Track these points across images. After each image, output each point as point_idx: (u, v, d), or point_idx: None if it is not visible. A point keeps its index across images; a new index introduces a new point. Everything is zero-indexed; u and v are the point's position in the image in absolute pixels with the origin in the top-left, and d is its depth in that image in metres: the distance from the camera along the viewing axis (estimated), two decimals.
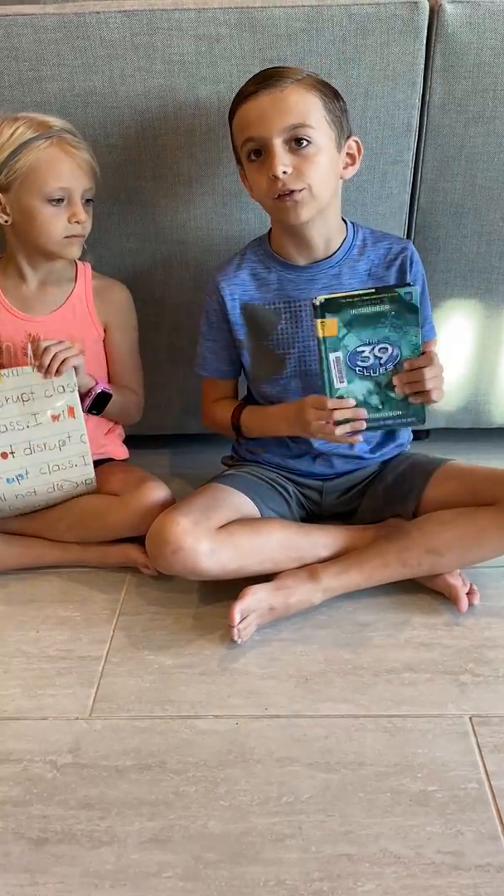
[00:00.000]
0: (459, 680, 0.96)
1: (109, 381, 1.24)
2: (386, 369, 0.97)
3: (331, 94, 1.01)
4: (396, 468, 1.17)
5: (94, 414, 1.18)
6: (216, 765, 0.87)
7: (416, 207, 1.26)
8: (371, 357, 0.97)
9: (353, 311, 0.95)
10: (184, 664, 1.01)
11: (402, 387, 0.98)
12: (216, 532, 1.03)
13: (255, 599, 1.02)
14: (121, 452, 1.31)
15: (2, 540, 1.19)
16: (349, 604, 1.08)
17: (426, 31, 1.11)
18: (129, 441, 1.32)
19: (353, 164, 1.06)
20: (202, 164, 1.22)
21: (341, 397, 0.99)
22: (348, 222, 1.12)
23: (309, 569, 1.08)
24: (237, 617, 1.00)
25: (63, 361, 1.08)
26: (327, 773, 0.85)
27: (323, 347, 0.96)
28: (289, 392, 1.13)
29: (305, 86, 0.99)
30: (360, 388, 0.98)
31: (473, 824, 0.79)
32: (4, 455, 1.10)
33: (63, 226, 1.10)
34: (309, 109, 0.98)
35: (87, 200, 1.13)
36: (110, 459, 1.29)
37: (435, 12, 1.10)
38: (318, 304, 0.95)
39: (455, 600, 1.06)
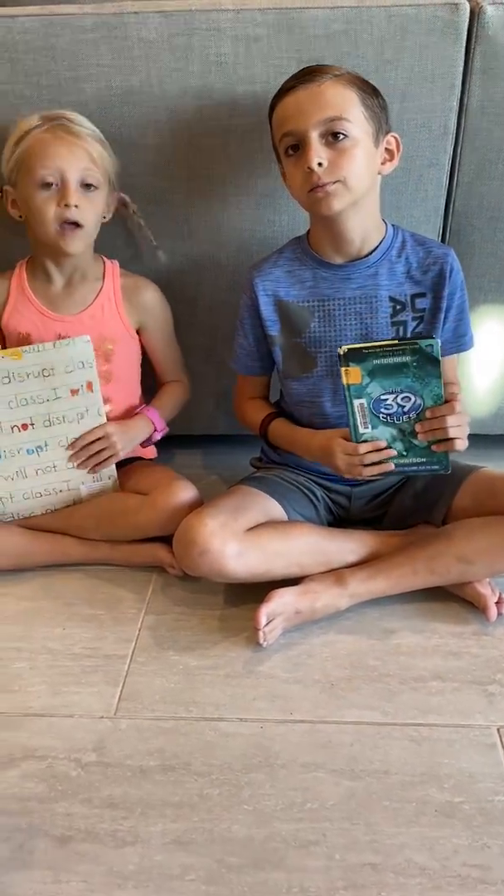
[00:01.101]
0: (487, 690, 0.95)
1: (155, 375, 1.27)
2: (409, 417, 0.98)
3: (369, 90, 1.01)
4: (426, 475, 1.16)
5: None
6: (240, 768, 0.86)
7: (451, 211, 1.25)
8: (394, 405, 0.98)
9: (376, 361, 0.96)
10: (209, 665, 1.01)
11: (425, 434, 0.98)
12: (244, 535, 1.02)
13: (281, 603, 1.01)
14: (149, 451, 1.32)
15: (30, 536, 1.19)
16: (376, 610, 1.07)
17: (466, 33, 1.10)
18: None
19: (391, 159, 1.05)
20: (237, 166, 1.22)
21: (366, 441, 0.99)
22: (389, 224, 1.11)
23: (336, 574, 1.07)
24: (263, 619, 0.99)
25: (102, 462, 1.15)
26: (352, 781, 0.84)
27: (348, 394, 0.98)
28: (319, 392, 1.13)
29: (343, 81, 0.99)
30: (384, 433, 1.00)
31: (500, 837, 0.78)
32: (25, 426, 1.12)
33: (54, 211, 1.07)
34: (346, 103, 0.98)
35: (88, 185, 1.09)
36: (139, 458, 1.29)
37: (475, 14, 1.09)
38: (342, 353, 0.96)
39: (484, 609, 1.05)
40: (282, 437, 1.16)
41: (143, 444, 1.23)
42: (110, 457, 1.16)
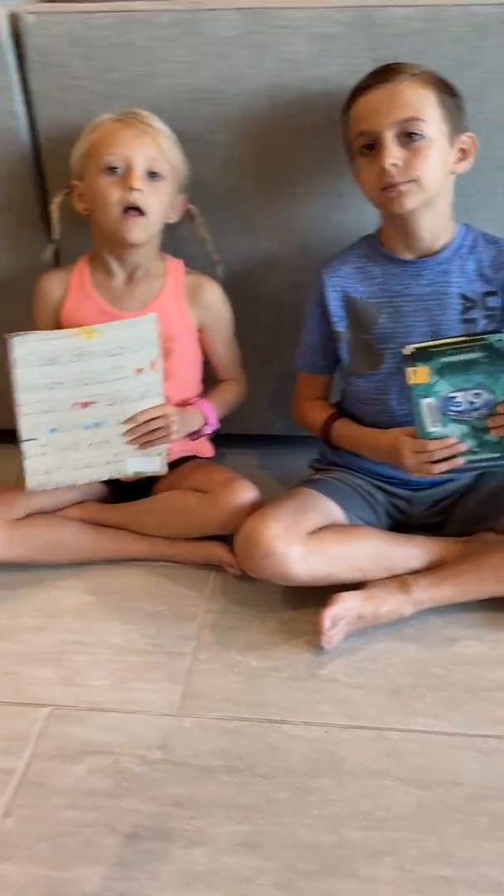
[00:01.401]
0: None
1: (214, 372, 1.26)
2: (480, 413, 0.96)
3: (446, 90, 1.01)
4: (491, 481, 1.14)
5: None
6: (306, 772, 0.86)
7: None
8: (464, 402, 0.97)
9: (444, 359, 0.95)
10: (270, 667, 1.00)
11: (498, 430, 0.97)
12: (307, 538, 1.02)
13: (345, 607, 1.00)
14: (207, 450, 1.31)
15: (91, 530, 1.20)
16: (439, 618, 1.06)
17: None
18: (214, 439, 1.32)
19: (464, 158, 1.05)
20: (306, 164, 1.21)
21: (436, 438, 0.98)
22: (460, 223, 1.10)
23: (399, 580, 1.06)
24: (328, 623, 0.99)
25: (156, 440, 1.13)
26: (421, 791, 0.83)
27: (414, 394, 0.97)
28: (386, 389, 1.12)
29: (420, 81, 0.99)
30: (454, 430, 0.98)
31: None
32: (86, 404, 1.11)
33: (118, 195, 1.06)
34: (422, 104, 0.98)
35: (154, 174, 1.09)
36: (195, 457, 1.29)
37: None
38: (408, 353, 0.96)
39: None
40: (346, 436, 1.15)
41: (192, 437, 1.22)
42: (164, 436, 1.14)
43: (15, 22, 1.16)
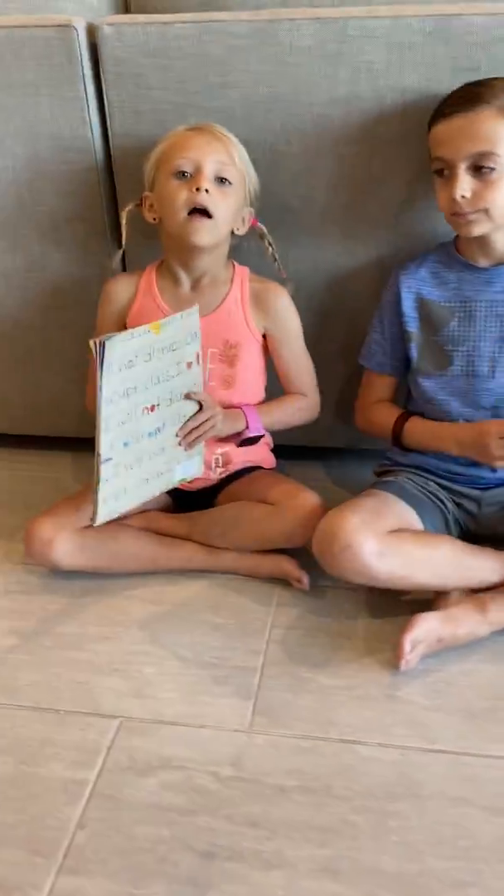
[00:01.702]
0: None
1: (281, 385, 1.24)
2: None
3: None
4: None
5: (248, 444, 1.20)
6: (384, 796, 0.83)
7: None
8: None
9: None
10: (342, 686, 0.98)
11: None
12: (385, 535, 1.00)
13: (425, 629, 0.98)
14: (269, 461, 1.30)
15: (156, 540, 1.19)
16: None
17: None
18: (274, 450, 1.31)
19: None
20: (378, 174, 1.20)
21: None
22: None
23: (476, 600, 1.03)
24: (408, 647, 0.96)
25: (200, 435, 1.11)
26: None
27: None
28: (452, 391, 1.12)
29: (500, 111, 0.99)
30: None
31: None
32: (153, 408, 1.07)
33: (185, 196, 1.06)
34: (498, 136, 0.98)
35: (223, 180, 1.08)
36: (259, 467, 1.27)
37: None
38: None
39: None
40: (423, 432, 1.14)
41: (236, 441, 1.19)
42: (208, 430, 1.12)
43: (92, 33, 1.17)
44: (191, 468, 1.15)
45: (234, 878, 0.75)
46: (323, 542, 1.01)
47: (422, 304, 1.14)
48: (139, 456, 1.07)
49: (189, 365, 1.10)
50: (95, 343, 0.96)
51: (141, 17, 1.15)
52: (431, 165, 1.06)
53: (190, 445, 1.12)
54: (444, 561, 1.03)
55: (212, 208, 1.07)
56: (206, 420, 1.12)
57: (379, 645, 1.03)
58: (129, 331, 1.03)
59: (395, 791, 0.84)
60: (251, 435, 1.18)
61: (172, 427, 1.11)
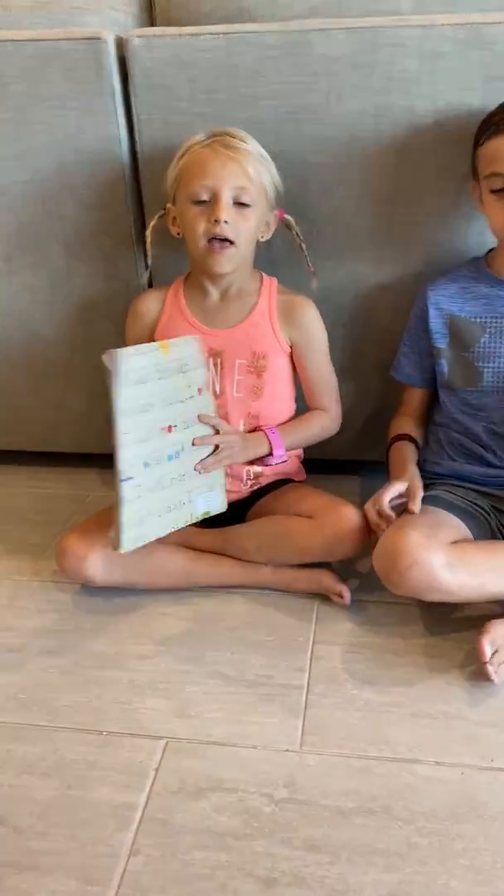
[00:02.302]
0: None
1: (306, 399, 1.22)
2: None
3: None
4: None
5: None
6: (447, 817, 0.80)
7: None
8: None
9: None
10: (392, 702, 0.95)
11: None
12: (450, 547, 0.97)
13: (501, 633, 0.95)
14: (300, 474, 1.28)
15: (190, 555, 1.16)
16: None
17: None
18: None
19: None
20: (408, 184, 1.19)
21: None
22: None
23: None
24: (488, 651, 0.93)
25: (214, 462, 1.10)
26: None
27: None
28: (482, 406, 1.11)
29: None
30: None
31: None
32: (169, 429, 1.05)
33: (204, 226, 1.05)
34: None
35: (242, 204, 1.06)
36: (290, 480, 1.25)
37: None
38: None
39: None
40: (391, 461, 1.17)
41: (262, 463, 1.17)
42: (223, 458, 1.10)
43: (121, 45, 1.17)
44: (214, 502, 1.13)
45: None
46: (387, 560, 0.97)
47: (451, 321, 1.13)
48: (160, 480, 1.05)
49: (200, 391, 1.09)
50: (108, 355, 0.97)
51: (171, 30, 1.15)
52: (484, 180, 1.04)
53: (206, 469, 1.09)
54: None
55: (232, 236, 1.06)
56: (223, 447, 1.10)
57: (427, 661, 1.01)
58: (138, 346, 1.04)
59: (459, 812, 0.80)
60: (274, 463, 1.16)
61: (190, 453, 1.09)
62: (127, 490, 1.00)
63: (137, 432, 1.02)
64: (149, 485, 1.04)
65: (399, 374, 1.22)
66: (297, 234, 1.19)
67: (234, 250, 1.07)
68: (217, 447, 1.09)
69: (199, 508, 1.11)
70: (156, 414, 1.04)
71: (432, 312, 1.13)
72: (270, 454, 1.15)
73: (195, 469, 1.08)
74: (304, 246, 1.19)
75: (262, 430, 1.17)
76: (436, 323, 1.13)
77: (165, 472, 1.05)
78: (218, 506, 1.13)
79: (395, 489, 1.04)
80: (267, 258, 1.22)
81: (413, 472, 1.10)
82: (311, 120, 1.16)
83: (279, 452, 1.15)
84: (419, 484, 1.06)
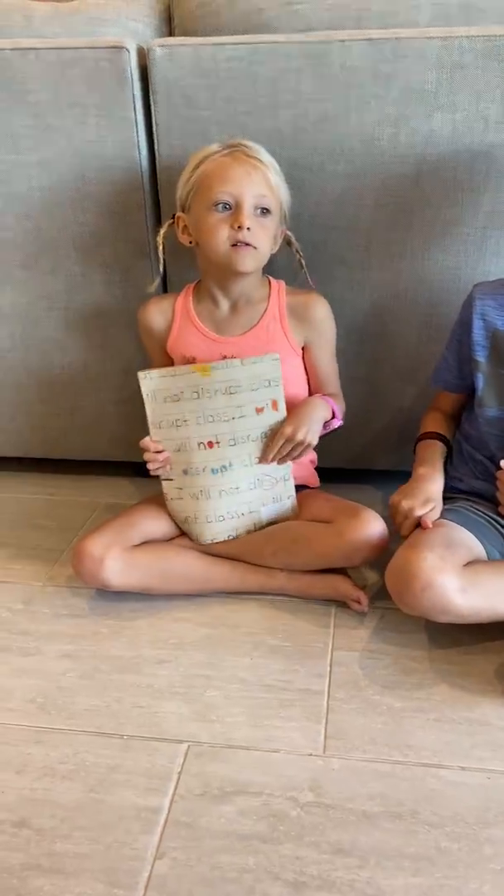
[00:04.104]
0: None
1: (310, 393, 1.22)
2: None
3: None
4: None
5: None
6: (475, 822, 0.79)
7: None
8: None
9: None
10: (414, 708, 0.94)
11: None
12: (463, 569, 0.96)
13: None
14: (314, 479, 1.28)
15: (208, 561, 1.16)
16: None
17: None
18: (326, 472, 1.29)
19: None
20: (426, 193, 1.20)
21: None
22: None
23: None
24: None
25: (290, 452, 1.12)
26: None
27: None
28: None
29: None
30: None
31: None
32: (210, 444, 1.09)
33: (227, 233, 1.06)
34: None
35: (264, 210, 1.08)
36: (305, 486, 1.25)
37: None
38: None
39: None
40: (419, 456, 1.16)
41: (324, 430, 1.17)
42: (304, 449, 1.12)
43: (143, 55, 1.18)
44: (280, 510, 1.17)
45: None
46: (401, 581, 0.96)
47: (495, 335, 1.08)
48: (206, 489, 1.11)
49: (259, 410, 1.10)
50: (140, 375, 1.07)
51: (193, 39, 1.16)
52: None
53: (283, 460, 1.12)
54: None
55: (254, 242, 1.07)
56: (284, 446, 1.11)
57: (447, 667, 1.00)
58: (173, 368, 1.10)
59: (487, 816, 0.79)
60: (337, 425, 1.17)
61: (242, 468, 1.11)
62: (168, 488, 1.14)
63: (171, 443, 1.10)
64: (192, 491, 1.12)
65: (438, 378, 1.19)
66: (297, 250, 1.19)
67: (255, 252, 1.08)
68: (294, 447, 1.11)
69: (263, 518, 1.17)
70: (190, 429, 1.09)
71: (476, 323, 1.08)
72: (333, 416, 1.16)
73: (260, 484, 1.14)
74: (303, 262, 1.19)
75: (316, 395, 1.16)
76: (478, 334, 1.08)
77: (210, 482, 1.11)
78: (287, 512, 1.18)
79: (427, 505, 1.04)
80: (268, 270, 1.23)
81: (438, 484, 1.09)
82: (329, 129, 1.18)
83: (339, 415, 1.17)
84: (440, 499, 1.06)
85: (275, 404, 1.10)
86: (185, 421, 1.09)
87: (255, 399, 1.09)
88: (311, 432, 1.11)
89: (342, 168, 1.20)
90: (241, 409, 1.09)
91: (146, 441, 1.13)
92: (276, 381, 1.09)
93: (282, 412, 1.11)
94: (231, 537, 1.16)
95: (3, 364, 1.42)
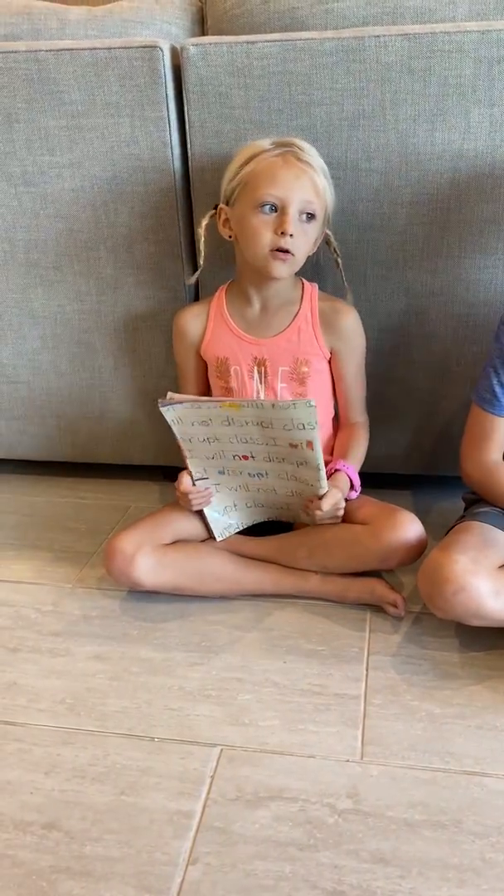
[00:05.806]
0: None
1: (336, 403, 1.21)
2: None
3: None
4: None
5: None
6: None
7: None
8: None
9: None
10: (455, 714, 0.90)
11: None
12: (496, 572, 0.93)
13: None
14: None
15: (239, 561, 1.14)
16: None
17: None
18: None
19: None
20: (462, 190, 1.18)
21: None
22: None
23: None
24: None
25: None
26: None
27: None
28: None
29: None
30: None
31: None
32: (245, 457, 1.06)
33: (270, 237, 1.04)
34: None
35: (309, 216, 1.06)
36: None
37: None
38: None
39: None
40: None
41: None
42: (338, 515, 1.11)
43: (176, 54, 1.18)
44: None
45: None
46: (433, 585, 0.93)
47: None
48: (245, 484, 1.11)
49: (294, 446, 1.02)
50: (159, 402, 1.00)
51: (226, 38, 1.16)
52: None
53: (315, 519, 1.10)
54: None
55: (294, 249, 1.05)
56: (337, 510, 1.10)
57: (487, 672, 0.97)
58: (199, 400, 1.03)
59: None
60: (355, 496, 1.15)
61: (277, 479, 1.09)
62: (202, 486, 1.11)
63: (204, 452, 1.07)
64: (231, 485, 1.11)
65: (477, 395, 1.07)
66: (334, 249, 1.18)
67: (293, 259, 1.07)
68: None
69: (301, 516, 1.15)
70: (224, 445, 1.05)
71: None
72: (352, 489, 1.14)
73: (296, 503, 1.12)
74: (340, 262, 1.17)
75: (339, 470, 1.14)
76: None
77: (249, 482, 1.11)
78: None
79: None
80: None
81: None
82: (364, 126, 1.16)
83: (358, 486, 1.15)
84: None
85: (310, 445, 1.01)
86: (217, 440, 1.04)
87: (289, 437, 1.02)
88: (340, 511, 1.10)
89: (377, 165, 1.18)
90: (276, 441, 1.03)
91: (187, 485, 1.09)
92: (311, 426, 0.98)
93: (317, 451, 1.02)
94: (271, 518, 1.15)
95: (33, 366, 1.42)
